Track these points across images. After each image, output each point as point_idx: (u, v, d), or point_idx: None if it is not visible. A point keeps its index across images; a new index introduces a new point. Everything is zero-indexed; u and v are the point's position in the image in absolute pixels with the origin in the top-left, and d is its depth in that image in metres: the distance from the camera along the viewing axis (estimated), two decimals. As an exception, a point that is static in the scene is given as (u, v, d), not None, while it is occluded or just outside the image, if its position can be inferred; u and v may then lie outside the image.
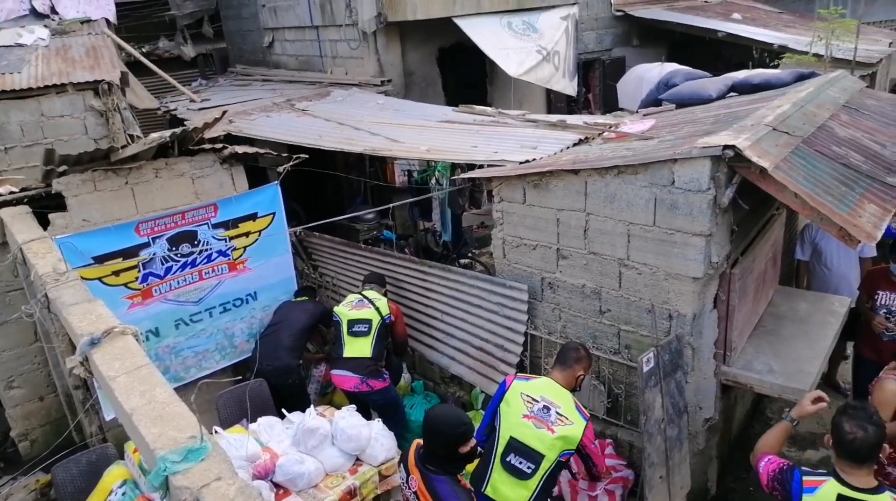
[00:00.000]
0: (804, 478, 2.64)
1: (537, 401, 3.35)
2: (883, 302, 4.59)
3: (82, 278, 3.74)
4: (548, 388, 3.43)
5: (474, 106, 6.66)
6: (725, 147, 3.39)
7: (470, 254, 7.31)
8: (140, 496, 3.49)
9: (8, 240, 4.68)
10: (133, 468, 3.63)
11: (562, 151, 4.73)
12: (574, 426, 3.28)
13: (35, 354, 5.25)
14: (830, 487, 2.58)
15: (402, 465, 3.16)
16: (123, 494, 3.49)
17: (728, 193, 3.54)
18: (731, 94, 5.44)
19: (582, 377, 3.53)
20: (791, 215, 5.32)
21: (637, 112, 6.21)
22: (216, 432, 3.88)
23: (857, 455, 2.55)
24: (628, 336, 4.17)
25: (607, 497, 3.93)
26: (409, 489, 3.06)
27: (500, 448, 3.38)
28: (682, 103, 5.48)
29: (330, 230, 6.16)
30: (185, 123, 5.28)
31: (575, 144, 4.86)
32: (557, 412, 3.30)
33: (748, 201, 3.68)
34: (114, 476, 3.61)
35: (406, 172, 7.35)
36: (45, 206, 4.80)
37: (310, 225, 5.40)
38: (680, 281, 3.84)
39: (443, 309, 5.18)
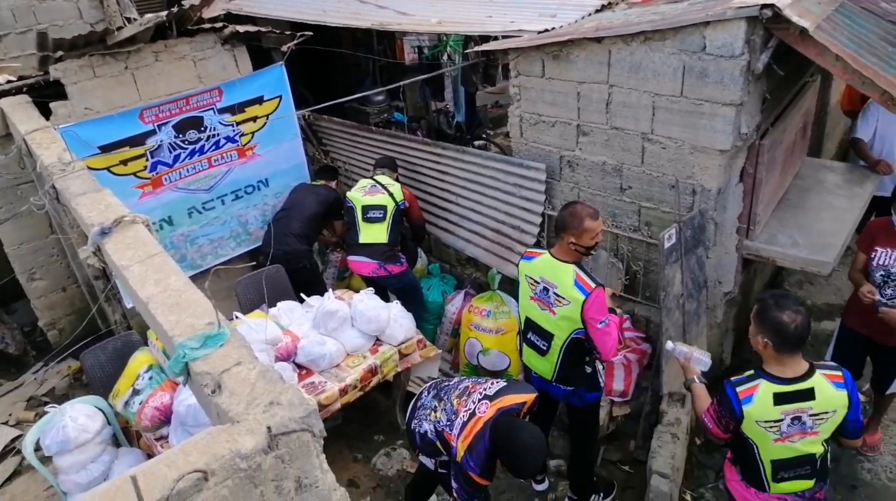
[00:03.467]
0: (737, 390, 2.57)
1: (538, 282, 3.29)
2: (881, 261, 3.56)
3: (90, 168, 3.66)
4: (546, 267, 3.26)
5: (486, -28, 6.18)
6: (763, 6, 3.11)
7: (485, 135, 7.10)
8: (166, 380, 3.59)
9: (11, 131, 4.57)
10: (157, 354, 3.71)
11: (583, 18, 4.41)
12: (572, 306, 3.13)
13: (52, 246, 5.28)
14: (764, 389, 2.53)
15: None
16: (150, 378, 3.59)
17: (763, 58, 3.29)
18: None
19: (574, 243, 3.15)
20: (826, 82, 5.02)
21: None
22: (236, 317, 3.93)
23: (800, 340, 2.50)
24: (649, 213, 4.06)
25: (623, 367, 4.00)
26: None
27: (522, 326, 3.49)
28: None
29: (339, 114, 5.95)
30: (183, 3, 4.97)
31: (597, 10, 4.52)
32: (555, 293, 3.20)
33: (783, 66, 3.44)
34: (139, 361, 3.70)
35: (416, 49, 6.98)
36: (45, 95, 4.63)
37: (317, 107, 5.20)
38: (706, 154, 3.67)
39: (457, 192, 5.08)
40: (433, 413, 3.14)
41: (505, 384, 3.08)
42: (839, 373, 2.57)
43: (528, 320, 3.45)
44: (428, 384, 3.39)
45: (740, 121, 3.52)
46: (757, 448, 2.63)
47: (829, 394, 2.52)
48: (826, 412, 2.53)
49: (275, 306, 4.27)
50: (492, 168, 4.76)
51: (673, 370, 3.81)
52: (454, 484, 3.01)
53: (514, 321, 4.43)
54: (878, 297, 3.49)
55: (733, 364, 4.62)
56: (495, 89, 7.37)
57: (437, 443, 3.10)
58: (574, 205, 3.25)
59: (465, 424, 2.93)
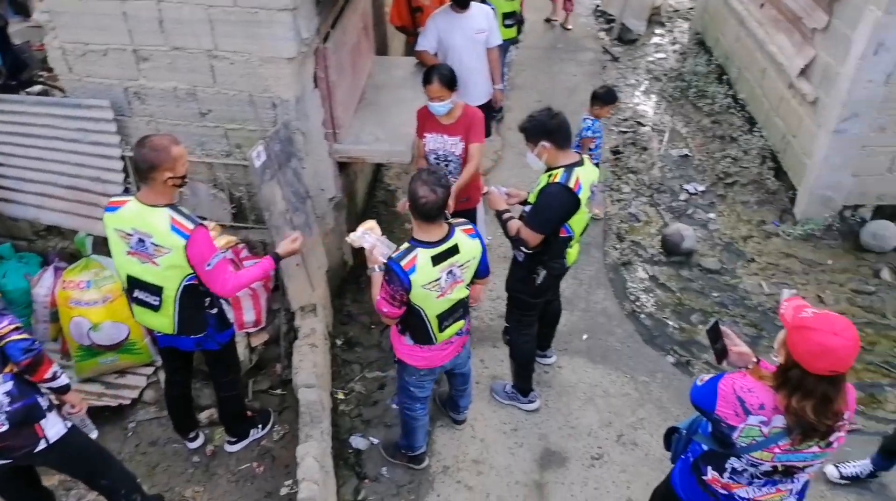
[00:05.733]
0: (401, 263, 2.80)
1: (130, 235, 2.90)
2: (431, 146, 3.96)
3: None
4: (136, 216, 2.89)
5: None
6: None
7: (40, 79, 5.93)
8: None
9: None
10: None
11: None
12: (174, 254, 2.87)
13: None
14: (423, 256, 2.82)
15: None
16: None
17: (301, -43, 3.26)
18: None
19: (172, 177, 2.84)
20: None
21: None
22: None
23: (430, 215, 2.81)
24: (236, 135, 3.89)
25: (250, 297, 3.90)
26: None
27: (126, 285, 3.11)
28: None
29: None
30: None
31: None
32: (153, 243, 2.88)
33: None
34: None
35: None
36: None
37: None
38: (275, 64, 3.60)
39: (9, 152, 4.17)
40: None
41: None
42: (470, 227, 3.02)
43: (129, 277, 3.05)
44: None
45: (299, 25, 3.50)
46: (423, 310, 2.94)
47: (469, 245, 2.94)
48: (469, 261, 2.97)
49: None
50: (44, 115, 3.99)
51: (297, 284, 3.85)
52: None
53: (120, 284, 3.93)
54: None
55: (356, 264, 4.89)
56: (33, 21, 6.14)
57: None
58: (148, 139, 2.87)
59: None
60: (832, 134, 4.97)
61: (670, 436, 2.61)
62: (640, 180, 6.00)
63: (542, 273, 3.46)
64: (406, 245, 2.88)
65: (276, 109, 3.73)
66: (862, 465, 3.56)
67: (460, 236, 2.92)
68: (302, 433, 3.43)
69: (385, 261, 2.92)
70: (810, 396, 2.01)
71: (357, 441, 3.84)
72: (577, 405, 4.06)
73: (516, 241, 3.37)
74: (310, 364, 3.65)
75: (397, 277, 2.81)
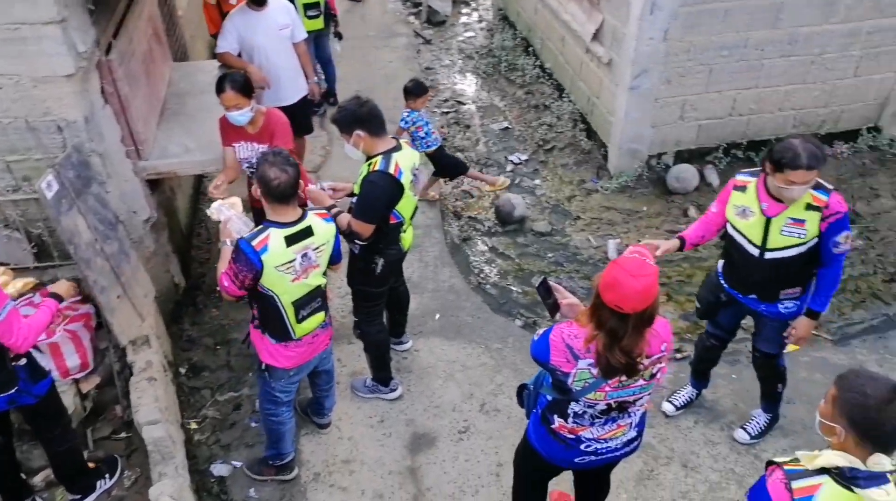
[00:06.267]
0: (252, 243, 2.74)
1: None
2: (241, 155, 3.83)
3: None
4: None
5: None
6: None
7: None
8: None
9: None
10: None
11: None
12: None
13: None
14: (275, 236, 2.77)
15: None
16: None
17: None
18: None
19: None
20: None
21: None
22: None
23: (285, 195, 2.77)
24: (21, 167, 3.48)
25: (70, 341, 3.54)
26: None
27: None
28: None
29: None
30: None
31: None
32: None
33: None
34: None
35: None
36: None
37: None
38: (53, 84, 3.25)
39: None
40: None
41: None
42: (325, 212, 3.04)
43: None
44: None
45: (73, 39, 3.19)
46: (277, 296, 2.86)
47: (323, 228, 2.94)
48: (324, 244, 2.95)
49: None
50: None
51: (122, 317, 3.55)
52: None
53: None
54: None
55: (190, 284, 4.62)
56: None
57: None
58: None
59: None
60: (628, 91, 5.40)
61: (521, 394, 2.73)
62: (468, 157, 6.17)
63: (381, 262, 3.46)
64: (259, 227, 2.84)
65: (63, 133, 3.39)
66: (688, 391, 3.95)
67: (314, 219, 2.91)
68: (154, 473, 3.20)
69: (238, 237, 2.88)
70: (601, 328, 2.19)
71: (219, 469, 3.64)
72: (438, 384, 4.13)
73: (349, 234, 3.34)
74: (150, 399, 3.39)
75: (245, 256, 2.74)
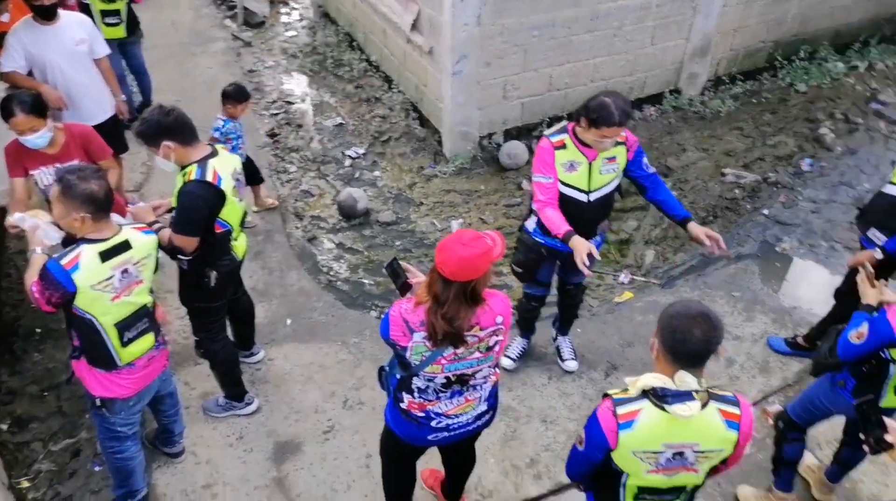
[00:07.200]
0: (62, 262, 2.56)
1: None
2: (43, 183, 3.61)
3: None
4: None
5: None
6: None
7: None
8: None
9: None
10: None
11: None
12: None
13: None
14: (87, 252, 2.59)
15: None
16: None
17: None
18: None
19: None
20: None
21: None
22: None
23: (104, 206, 2.61)
24: None
25: None
26: None
27: None
28: None
29: None
30: None
31: None
32: None
33: None
34: None
35: None
36: None
37: None
38: None
39: None
40: None
41: None
42: (142, 225, 2.89)
43: None
44: None
45: None
46: (96, 318, 2.67)
47: (142, 241, 2.78)
48: (145, 258, 2.80)
49: None
50: None
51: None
52: None
53: None
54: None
55: (3, 331, 4.15)
56: None
57: None
58: None
59: None
60: (451, 77, 5.53)
61: (381, 376, 2.70)
62: (303, 157, 6.05)
63: (213, 275, 3.29)
64: (73, 245, 2.63)
65: None
66: (520, 343, 4.18)
67: (131, 233, 2.76)
68: (-20, 547, 2.85)
69: (51, 243, 2.74)
70: (429, 291, 2.25)
71: (63, 524, 3.32)
72: (297, 390, 4.01)
73: (172, 250, 3.14)
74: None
75: (53, 279, 2.53)
